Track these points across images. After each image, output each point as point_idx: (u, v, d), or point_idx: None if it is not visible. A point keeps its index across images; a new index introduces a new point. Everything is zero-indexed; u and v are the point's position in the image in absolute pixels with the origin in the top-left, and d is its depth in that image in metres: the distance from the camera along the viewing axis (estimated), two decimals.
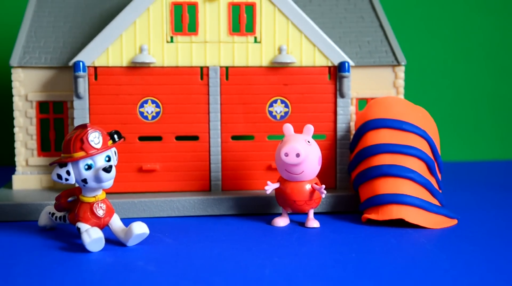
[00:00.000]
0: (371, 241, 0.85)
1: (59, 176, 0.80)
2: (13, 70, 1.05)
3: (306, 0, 1.19)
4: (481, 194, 1.18)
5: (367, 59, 1.10)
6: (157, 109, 1.03)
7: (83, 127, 0.81)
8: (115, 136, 0.83)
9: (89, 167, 0.80)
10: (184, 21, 1.03)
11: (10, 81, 1.05)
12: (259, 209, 1.01)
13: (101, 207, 0.83)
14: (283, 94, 1.05)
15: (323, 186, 0.92)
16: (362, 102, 1.13)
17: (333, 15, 1.17)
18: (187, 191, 1.04)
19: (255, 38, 1.04)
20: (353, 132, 1.07)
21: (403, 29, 1.54)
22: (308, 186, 0.93)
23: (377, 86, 1.10)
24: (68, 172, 0.80)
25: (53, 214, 0.89)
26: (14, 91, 1.05)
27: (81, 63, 1.00)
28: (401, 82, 1.10)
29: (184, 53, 1.03)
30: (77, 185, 0.86)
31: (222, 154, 1.05)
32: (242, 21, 1.04)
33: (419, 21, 1.57)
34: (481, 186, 1.26)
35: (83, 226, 0.82)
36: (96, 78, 1.02)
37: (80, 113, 1.01)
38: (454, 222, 0.95)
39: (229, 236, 0.88)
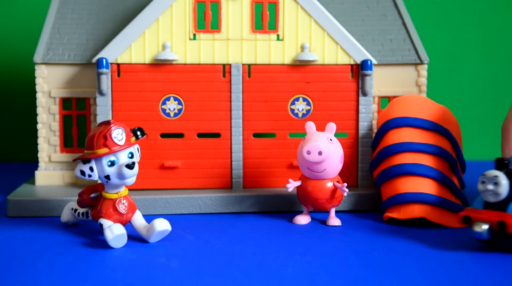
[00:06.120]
0: (393, 240, 0.85)
1: (82, 172, 0.81)
2: (36, 67, 1.05)
3: None
4: None
5: (390, 57, 1.09)
6: (179, 106, 1.03)
7: (107, 123, 0.81)
8: (138, 133, 0.84)
9: (112, 164, 0.80)
10: (207, 18, 1.03)
11: (34, 78, 1.06)
12: (281, 207, 1.01)
13: (123, 203, 0.83)
14: (305, 92, 1.05)
15: (345, 184, 0.92)
16: (384, 101, 1.13)
17: (356, 13, 1.17)
18: (208, 188, 1.05)
19: (278, 35, 1.04)
20: (375, 130, 1.07)
21: (426, 27, 1.53)
22: (330, 184, 0.93)
23: (400, 84, 1.09)
24: (91, 169, 0.80)
25: (75, 210, 0.89)
26: (37, 88, 1.06)
27: (104, 60, 1.00)
28: (423, 81, 1.09)
29: (206, 50, 1.03)
30: (100, 181, 0.86)
31: (243, 152, 1.05)
32: (264, 19, 1.04)
33: (442, 19, 1.56)
34: None
35: (105, 222, 0.82)
36: (119, 75, 1.02)
37: (103, 109, 1.02)
38: None
39: (251, 234, 0.88)
